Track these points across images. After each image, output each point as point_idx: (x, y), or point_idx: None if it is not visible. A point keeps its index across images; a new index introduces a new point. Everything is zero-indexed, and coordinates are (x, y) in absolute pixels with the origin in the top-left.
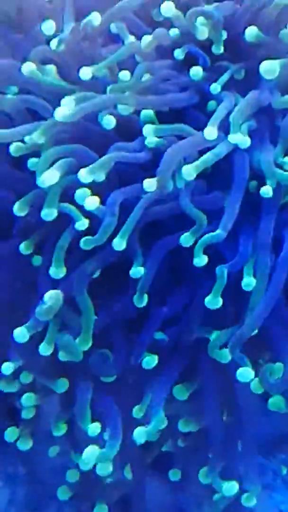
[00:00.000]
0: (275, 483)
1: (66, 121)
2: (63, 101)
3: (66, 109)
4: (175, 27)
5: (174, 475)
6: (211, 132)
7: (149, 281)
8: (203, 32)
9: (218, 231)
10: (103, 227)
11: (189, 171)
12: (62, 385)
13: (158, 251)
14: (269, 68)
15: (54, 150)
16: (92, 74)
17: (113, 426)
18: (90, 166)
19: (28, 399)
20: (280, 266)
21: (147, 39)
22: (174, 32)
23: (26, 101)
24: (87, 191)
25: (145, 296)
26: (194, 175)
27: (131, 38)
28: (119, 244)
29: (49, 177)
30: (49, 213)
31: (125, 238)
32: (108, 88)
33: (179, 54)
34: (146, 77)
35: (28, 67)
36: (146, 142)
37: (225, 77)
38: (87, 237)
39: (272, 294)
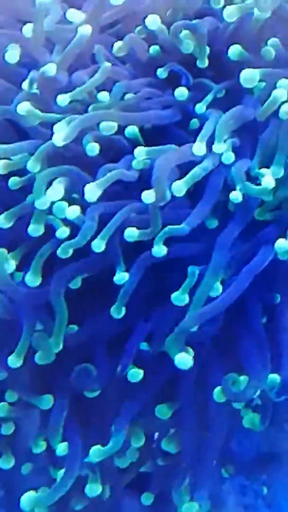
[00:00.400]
0: (256, 503)
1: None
2: (56, 128)
3: (61, 134)
4: (157, 42)
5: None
6: (199, 148)
7: (129, 293)
8: (188, 45)
9: (182, 225)
10: (82, 230)
11: (179, 187)
12: (47, 401)
13: (140, 262)
14: (248, 77)
15: (49, 172)
16: (69, 100)
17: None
18: (96, 182)
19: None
20: (243, 275)
21: (118, 44)
22: (154, 48)
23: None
24: (64, 203)
25: (123, 308)
26: (185, 191)
27: (107, 64)
28: (99, 245)
29: (53, 194)
30: (36, 229)
31: (105, 240)
32: (90, 108)
33: (161, 73)
34: (129, 96)
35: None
36: (134, 163)
37: (209, 97)
38: (66, 242)
39: (224, 299)
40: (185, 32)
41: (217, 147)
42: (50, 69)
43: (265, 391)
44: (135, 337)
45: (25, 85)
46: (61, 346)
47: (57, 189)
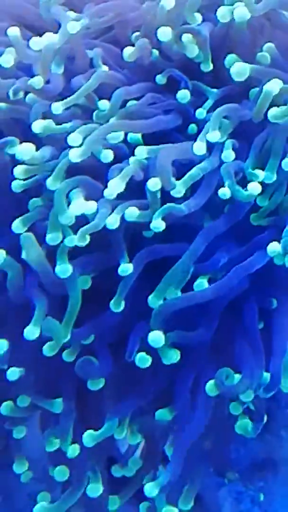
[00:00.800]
0: (253, 510)
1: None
2: (70, 140)
3: (78, 151)
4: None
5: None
6: (200, 147)
7: (128, 286)
8: (192, 49)
9: (181, 205)
10: (99, 213)
11: (178, 188)
12: (57, 405)
13: (141, 256)
14: (239, 70)
15: (66, 185)
16: (62, 108)
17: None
18: (119, 176)
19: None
20: (232, 272)
21: (129, 50)
22: (153, 54)
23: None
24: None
25: (123, 302)
26: (183, 191)
27: (104, 68)
28: (114, 223)
29: (76, 208)
30: (54, 238)
31: (119, 215)
32: (94, 116)
33: (160, 78)
34: (131, 102)
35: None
36: (132, 160)
37: (210, 103)
38: (83, 227)
39: (207, 291)
40: (187, 36)
41: (211, 136)
42: (38, 82)
43: (258, 397)
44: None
45: (10, 94)
46: (69, 336)
47: (79, 203)
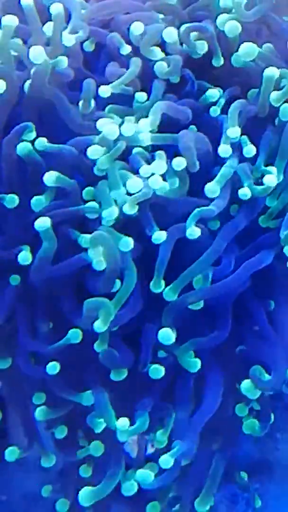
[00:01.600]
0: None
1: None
2: (125, 130)
3: (147, 134)
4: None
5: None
6: (225, 149)
7: (164, 264)
8: (202, 46)
9: (210, 207)
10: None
11: (214, 188)
12: (87, 398)
13: (171, 234)
14: (247, 51)
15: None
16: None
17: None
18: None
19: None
20: (242, 269)
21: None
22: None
23: None
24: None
25: (163, 282)
26: (219, 191)
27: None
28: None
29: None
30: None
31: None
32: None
33: (175, 78)
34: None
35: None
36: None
37: (222, 101)
38: (133, 196)
39: (217, 286)
40: (193, 34)
41: (232, 132)
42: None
43: (263, 396)
44: (148, 335)
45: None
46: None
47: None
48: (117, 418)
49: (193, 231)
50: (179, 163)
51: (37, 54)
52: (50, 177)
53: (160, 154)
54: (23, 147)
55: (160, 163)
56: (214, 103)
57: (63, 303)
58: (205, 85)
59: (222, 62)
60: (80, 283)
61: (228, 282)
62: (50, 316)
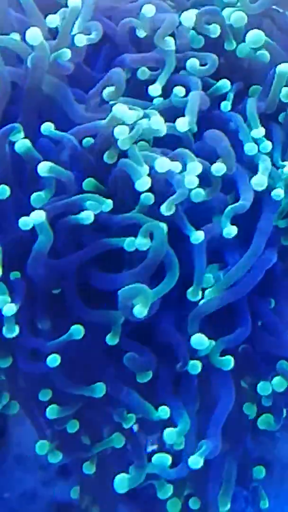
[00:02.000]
0: (246, 510)
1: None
2: (155, 123)
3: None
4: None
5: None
6: (251, 147)
7: (203, 270)
8: (215, 29)
9: (241, 202)
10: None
11: (262, 181)
12: (100, 389)
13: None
14: (254, 39)
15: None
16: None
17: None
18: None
19: None
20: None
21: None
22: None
23: None
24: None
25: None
26: (266, 183)
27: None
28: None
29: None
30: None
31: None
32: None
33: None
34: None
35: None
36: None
37: (231, 96)
38: (169, 199)
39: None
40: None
41: (256, 132)
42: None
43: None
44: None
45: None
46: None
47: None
48: None
49: (230, 230)
50: (219, 168)
51: (34, 35)
52: (44, 167)
53: (189, 154)
54: (21, 145)
55: (194, 164)
56: (222, 96)
57: (66, 299)
58: (209, 81)
59: (234, 46)
60: (84, 277)
61: (248, 282)
62: (52, 312)
